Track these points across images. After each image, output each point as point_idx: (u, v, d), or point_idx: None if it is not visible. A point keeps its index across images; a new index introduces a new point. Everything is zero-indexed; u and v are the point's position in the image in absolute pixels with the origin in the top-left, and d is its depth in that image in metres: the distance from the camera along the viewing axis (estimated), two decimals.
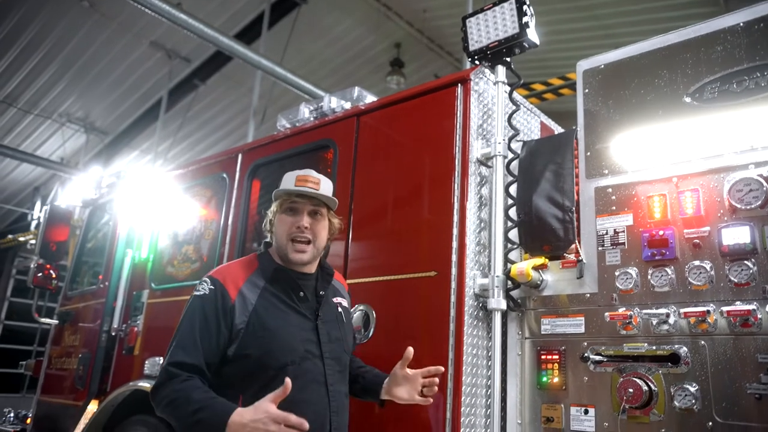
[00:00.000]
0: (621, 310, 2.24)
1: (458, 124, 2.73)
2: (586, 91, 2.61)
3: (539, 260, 2.51)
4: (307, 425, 1.69)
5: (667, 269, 2.20)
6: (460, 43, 2.92)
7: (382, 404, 2.24)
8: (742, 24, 2.24)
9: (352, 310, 2.32)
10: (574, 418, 2.30)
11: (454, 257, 2.56)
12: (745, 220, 2.07)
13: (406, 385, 2.10)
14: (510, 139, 2.74)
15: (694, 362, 2.08)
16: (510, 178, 2.70)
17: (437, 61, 10.21)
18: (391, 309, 2.68)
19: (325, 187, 2.12)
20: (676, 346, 2.12)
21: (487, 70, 2.88)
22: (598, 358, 2.27)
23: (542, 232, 2.54)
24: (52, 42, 9.31)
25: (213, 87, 10.47)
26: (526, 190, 2.64)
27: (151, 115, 11.00)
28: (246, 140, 8.36)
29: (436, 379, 2.12)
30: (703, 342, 2.08)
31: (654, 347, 2.17)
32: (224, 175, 3.79)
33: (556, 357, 2.40)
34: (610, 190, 2.43)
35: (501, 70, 2.81)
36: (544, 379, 2.41)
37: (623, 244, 2.34)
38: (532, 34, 2.73)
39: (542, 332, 2.47)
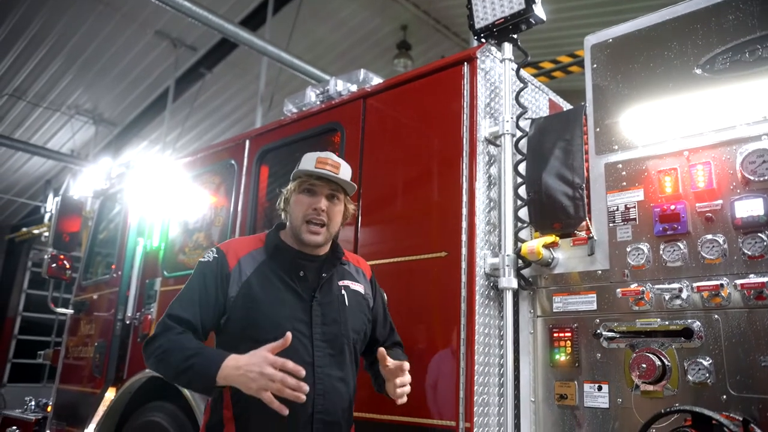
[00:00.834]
0: (633, 286, 2.23)
1: (465, 103, 2.71)
2: (595, 66, 2.58)
3: (550, 238, 2.50)
4: (303, 372, 1.72)
5: (679, 244, 2.18)
6: (466, 23, 2.89)
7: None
8: None
9: (367, 294, 2.22)
10: (588, 395, 2.30)
11: (464, 237, 2.55)
12: (758, 192, 2.04)
13: (389, 380, 2.04)
14: (518, 117, 2.71)
15: (708, 336, 2.07)
16: (519, 157, 2.68)
17: (444, 43, 10.11)
18: (402, 290, 2.68)
19: (345, 171, 2.11)
20: (689, 320, 2.11)
21: (493, 48, 2.85)
22: (610, 334, 2.26)
23: (552, 210, 2.53)
24: (57, 34, 9.32)
25: (219, 75, 10.45)
26: (535, 168, 2.62)
27: (158, 105, 11.01)
28: (254, 127, 8.37)
29: (406, 386, 2.04)
30: (716, 316, 2.06)
31: (667, 322, 2.15)
32: (232, 162, 3.79)
33: (569, 334, 2.40)
34: (620, 165, 2.40)
35: (508, 47, 2.78)
36: (557, 356, 2.41)
37: (634, 219, 2.31)
38: (539, 10, 2.69)
39: (554, 310, 2.46)
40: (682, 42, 2.33)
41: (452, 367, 2.46)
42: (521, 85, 2.79)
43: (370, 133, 3.07)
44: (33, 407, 5.07)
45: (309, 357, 1.94)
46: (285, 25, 9.00)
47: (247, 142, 3.75)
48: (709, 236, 2.11)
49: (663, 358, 2.11)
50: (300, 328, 1.95)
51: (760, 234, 2.01)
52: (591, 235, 2.41)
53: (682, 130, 2.27)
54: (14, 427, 4.91)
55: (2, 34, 9.16)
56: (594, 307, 2.35)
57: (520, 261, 2.52)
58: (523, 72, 2.83)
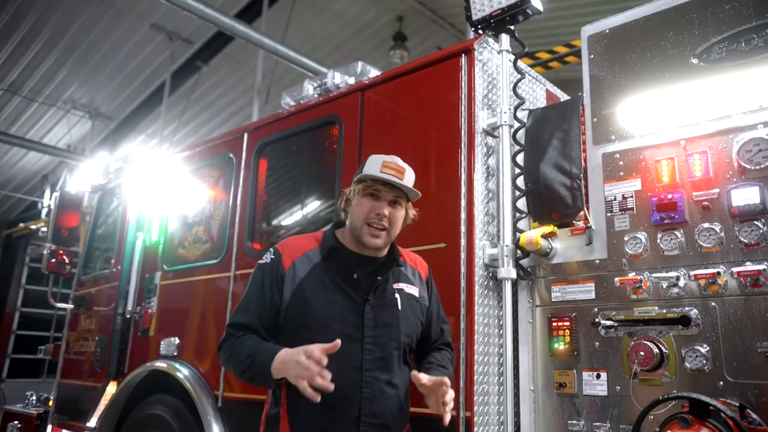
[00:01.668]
0: (631, 275, 2.25)
1: (463, 94, 2.72)
2: (592, 56, 2.59)
3: (548, 228, 2.51)
4: (325, 360, 1.77)
5: (676, 232, 2.20)
6: (462, 14, 2.89)
7: None
8: None
9: (422, 297, 2.19)
10: (587, 383, 2.33)
11: (462, 228, 2.57)
12: (754, 181, 2.06)
13: (430, 396, 1.98)
14: (516, 108, 2.72)
15: (705, 324, 2.09)
16: (517, 148, 2.69)
17: (440, 34, 10.08)
18: None
19: (409, 177, 2.08)
20: (687, 308, 2.13)
21: (491, 40, 2.85)
22: (608, 323, 2.28)
23: (550, 200, 2.54)
24: (52, 29, 9.27)
25: (216, 68, 10.40)
26: (533, 158, 2.63)
27: (155, 99, 10.96)
28: (251, 121, 8.35)
29: (450, 394, 1.98)
30: (713, 303, 2.09)
31: (664, 310, 2.18)
32: (231, 155, 3.80)
33: (567, 323, 2.42)
34: (617, 155, 2.42)
35: (505, 38, 2.79)
36: (556, 345, 2.43)
37: (632, 209, 2.33)
38: (536, 1, 2.70)
39: (553, 300, 2.49)
40: (678, 32, 2.34)
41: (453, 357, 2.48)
42: (518, 76, 2.80)
43: (368, 126, 3.07)
44: (34, 402, 5.09)
45: (357, 360, 1.95)
46: (280, 17, 8.96)
47: (246, 136, 3.75)
48: (706, 225, 2.13)
49: (661, 346, 2.14)
50: (350, 331, 1.96)
51: (756, 222, 2.03)
52: (589, 224, 2.43)
53: (679, 120, 2.29)
54: (16, 422, 4.92)
55: None
56: (592, 296, 2.38)
57: (518, 251, 2.54)
58: (520, 63, 2.84)
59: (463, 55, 2.76)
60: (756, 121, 2.10)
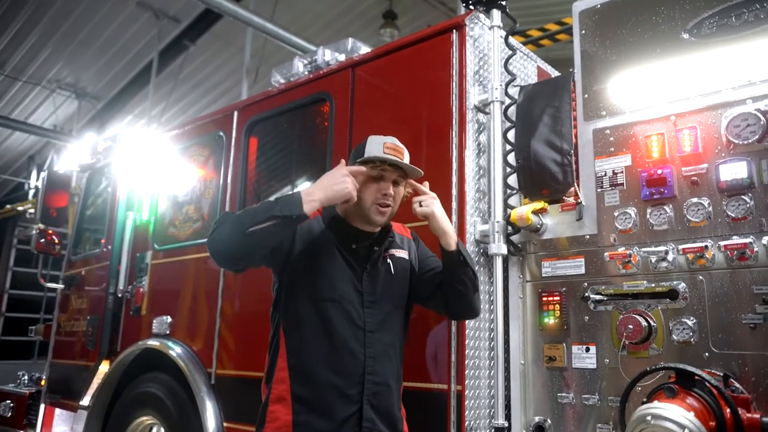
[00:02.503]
0: (620, 250, 2.27)
1: (454, 71, 2.71)
2: (583, 32, 2.58)
3: (539, 204, 2.53)
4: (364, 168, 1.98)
5: (665, 207, 2.22)
6: None
7: (451, 252, 2.14)
8: None
9: (411, 258, 2.27)
10: (576, 356, 2.37)
11: (454, 205, 2.58)
12: (742, 155, 2.08)
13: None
14: (507, 85, 2.71)
15: (692, 297, 2.12)
16: (508, 124, 2.69)
17: (431, 12, 10.00)
18: None
19: (407, 157, 2.15)
20: (675, 282, 2.16)
21: (482, 15, 2.84)
22: (598, 297, 2.31)
23: (541, 177, 2.55)
24: (34, 5, 9.09)
25: (204, 47, 10.27)
26: (524, 135, 2.64)
27: (142, 78, 10.82)
28: (240, 100, 8.28)
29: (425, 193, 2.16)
30: (701, 277, 2.12)
31: (653, 284, 2.21)
32: (221, 134, 3.77)
33: (557, 298, 2.45)
34: (608, 131, 2.43)
35: (496, 14, 2.77)
36: (546, 320, 2.46)
37: (622, 184, 2.35)
38: None
39: (543, 275, 2.51)
40: (669, 7, 2.34)
41: (444, 332, 2.51)
42: (510, 52, 2.79)
43: (359, 103, 3.06)
44: (26, 381, 5.10)
45: (361, 321, 2.04)
46: None
47: (236, 114, 3.73)
48: (695, 199, 2.15)
49: (649, 319, 2.17)
50: (352, 296, 2.06)
51: (743, 196, 2.06)
52: (579, 200, 2.45)
53: (670, 95, 2.30)
54: (8, 401, 4.93)
55: None
56: (582, 271, 2.40)
57: (509, 227, 2.56)
58: (511, 39, 2.83)
59: (454, 30, 2.75)
60: (745, 96, 2.11)
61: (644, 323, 2.15)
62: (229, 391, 3.30)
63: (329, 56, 3.43)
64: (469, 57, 2.74)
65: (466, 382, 2.43)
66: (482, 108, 2.75)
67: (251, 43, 9.11)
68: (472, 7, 2.81)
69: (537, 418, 2.43)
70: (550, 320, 2.45)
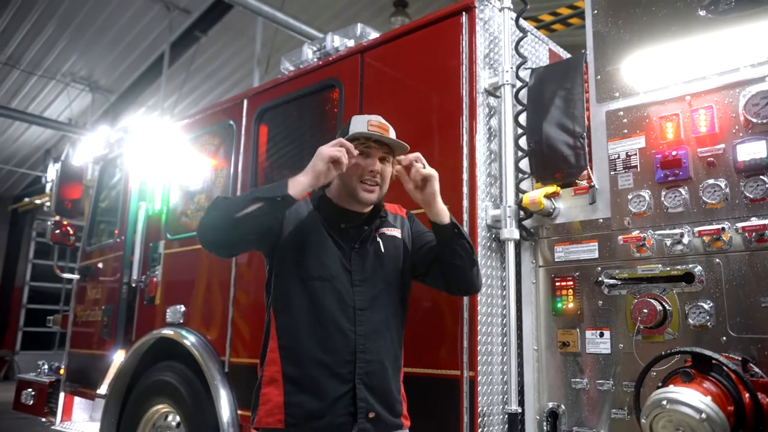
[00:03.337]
0: (634, 233, 2.23)
1: (464, 54, 2.67)
2: (595, 12, 2.53)
3: (551, 188, 2.49)
4: (354, 151, 1.95)
5: (680, 189, 2.17)
6: None
7: (446, 225, 2.07)
8: None
9: (404, 237, 2.22)
10: (590, 341, 2.34)
11: (465, 189, 2.55)
12: (761, 135, 2.03)
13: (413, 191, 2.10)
14: (518, 68, 2.67)
15: (709, 280, 2.08)
16: (519, 107, 2.65)
17: None
18: None
19: (392, 133, 2.12)
20: (691, 265, 2.12)
21: None
22: (612, 281, 2.28)
23: (553, 160, 2.51)
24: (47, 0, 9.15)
25: (215, 38, 10.27)
26: (535, 118, 2.60)
27: (154, 70, 10.86)
28: None
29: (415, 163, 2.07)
30: (717, 260, 2.08)
31: (668, 268, 2.17)
32: (231, 122, 3.77)
33: (571, 283, 2.42)
34: (621, 113, 2.38)
35: None
36: (559, 305, 2.43)
37: (635, 167, 2.30)
38: None
39: (556, 260, 2.48)
40: None
41: (456, 318, 2.49)
42: (521, 34, 2.74)
43: (368, 88, 3.03)
44: (46, 371, 5.17)
45: (351, 300, 2.01)
46: None
47: (245, 102, 3.72)
48: (711, 181, 2.10)
49: (664, 303, 2.14)
50: (341, 275, 2.03)
51: (762, 177, 2.00)
52: (592, 184, 2.41)
53: (685, 75, 2.24)
54: (30, 390, 5.01)
55: None
56: (595, 255, 2.37)
57: (521, 212, 2.53)
58: (522, 21, 2.78)
59: (464, 13, 2.71)
60: (764, 74, 2.05)
61: (659, 307, 2.11)
62: (242, 379, 3.31)
63: (338, 42, 3.41)
64: (479, 40, 2.69)
65: (479, 368, 2.41)
66: (493, 91, 2.71)
67: (262, 33, 9.08)
68: None
69: (551, 404, 2.41)
70: (564, 305, 2.42)
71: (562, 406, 2.38)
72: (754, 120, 2.03)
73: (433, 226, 2.10)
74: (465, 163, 2.58)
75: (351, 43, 3.37)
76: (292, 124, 3.56)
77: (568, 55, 3.25)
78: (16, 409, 5.21)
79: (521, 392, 2.48)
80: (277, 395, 1.95)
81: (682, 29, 2.27)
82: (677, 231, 2.14)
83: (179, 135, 4.19)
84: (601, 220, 2.37)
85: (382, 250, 2.13)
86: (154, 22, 9.85)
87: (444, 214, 2.07)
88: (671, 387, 1.85)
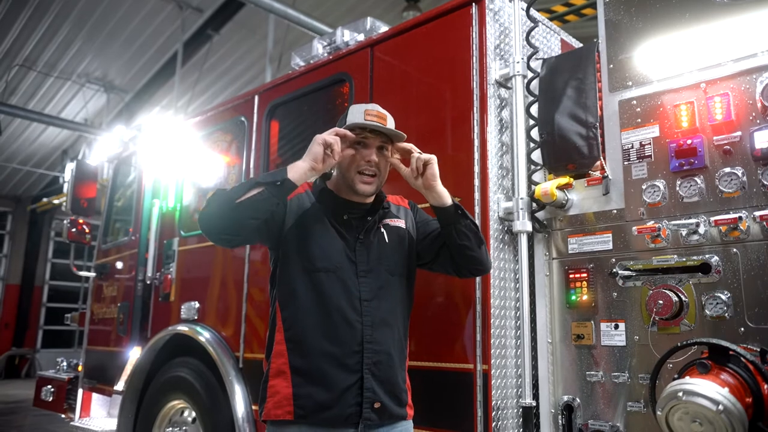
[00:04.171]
0: (649, 224, 2.20)
1: (475, 45, 2.65)
2: (607, 0, 2.49)
3: (564, 180, 2.46)
4: (351, 135, 1.98)
5: (696, 179, 2.13)
6: None
7: (448, 207, 2.08)
8: None
9: (408, 227, 2.21)
10: (605, 334, 2.31)
11: (476, 182, 2.53)
12: None
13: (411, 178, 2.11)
14: (529, 58, 2.64)
15: (726, 270, 2.04)
16: (530, 98, 2.62)
17: None
18: None
19: (390, 122, 2.11)
20: (707, 255, 2.08)
21: None
22: (626, 273, 2.25)
23: (566, 151, 2.48)
24: (62, 1, 9.24)
25: (227, 36, 10.32)
26: (547, 109, 2.57)
27: (168, 69, 10.94)
28: None
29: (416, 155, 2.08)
30: (735, 250, 2.04)
31: (684, 258, 2.13)
32: (242, 119, 3.78)
33: (585, 275, 2.39)
34: (634, 102, 2.34)
35: None
36: (573, 297, 2.41)
37: (650, 156, 2.27)
38: None
39: (569, 252, 2.45)
40: None
41: (469, 311, 2.47)
42: (531, 24, 2.71)
43: (379, 82, 3.02)
44: (65, 368, 5.23)
45: (356, 291, 2.01)
46: None
47: (256, 98, 3.72)
48: (727, 169, 2.06)
49: (680, 294, 2.10)
50: (346, 266, 2.02)
51: None
52: (605, 174, 2.37)
53: (700, 62, 2.20)
54: (50, 386, 5.08)
55: (8, 3, 9.11)
56: (610, 246, 2.33)
57: (534, 204, 2.50)
58: (533, 11, 2.75)
59: (473, 4, 2.68)
60: None
61: (675, 298, 2.08)
62: (256, 375, 3.31)
63: (348, 36, 3.40)
64: (489, 31, 2.67)
65: (493, 361, 2.39)
66: (504, 83, 2.68)
67: (274, 30, 9.10)
68: None
69: (566, 397, 2.39)
70: (578, 297, 2.39)
71: (577, 399, 2.36)
72: None
73: (436, 210, 2.09)
74: (476, 156, 2.55)
75: (361, 37, 3.36)
76: (303, 119, 3.56)
77: (580, 46, 3.21)
78: (36, 405, 5.30)
79: (535, 385, 2.46)
80: (285, 387, 1.94)
81: (697, 15, 2.23)
82: (693, 221, 2.10)
83: (192, 132, 4.22)
84: (615, 211, 2.34)
85: (387, 241, 2.12)
86: (167, 22, 9.92)
87: (445, 196, 2.07)
88: (687, 378, 1.82)
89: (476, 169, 2.54)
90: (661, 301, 2.09)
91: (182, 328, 3.77)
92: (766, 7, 2.07)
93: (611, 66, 2.43)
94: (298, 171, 1.91)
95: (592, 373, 2.32)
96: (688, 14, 2.25)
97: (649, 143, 2.28)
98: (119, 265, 4.64)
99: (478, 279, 2.45)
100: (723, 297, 2.02)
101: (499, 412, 2.39)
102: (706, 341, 1.91)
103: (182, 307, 3.87)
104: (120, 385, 4.12)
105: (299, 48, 3.66)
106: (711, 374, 1.80)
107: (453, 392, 2.46)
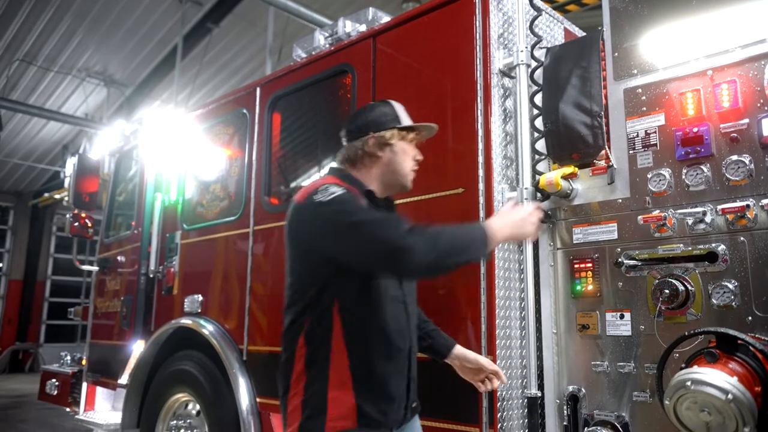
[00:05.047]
0: (655, 213, 2.18)
1: (478, 34, 2.62)
2: None
3: (568, 169, 2.45)
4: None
5: (702, 167, 2.12)
6: None
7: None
8: None
9: None
10: (610, 324, 2.30)
11: (480, 172, 2.52)
12: None
13: (470, 372, 2.23)
14: (533, 47, 2.62)
15: (733, 259, 2.03)
16: (534, 88, 2.60)
17: None
18: None
19: None
20: (714, 244, 2.07)
21: None
22: (632, 262, 2.23)
23: (570, 140, 2.46)
24: None
25: (227, 29, 10.27)
26: (551, 98, 2.55)
27: (168, 63, 10.89)
28: None
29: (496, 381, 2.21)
30: (742, 238, 2.02)
31: (690, 247, 2.12)
32: (244, 111, 3.76)
33: (590, 265, 2.38)
34: (639, 90, 2.32)
35: None
36: (578, 287, 2.39)
37: (655, 145, 2.25)
38: None
39: (574, 242, 2.44)
40: None
41: (473, 302, 2.46)
42: (535, 13, 2.69)
43: (381, 72, 3.00)
44: (69, 362, 5.25)
45: (401, 295, 1.98)
46: None
47: (258, 90, 3.70)
48: (735, 157, 2.05)
49: (686, 284, 2.09)
50: None
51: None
52: (610, 163, 2.36)
53: (706, 49, 2.18)
54: (54, 380, 5.10)
55: None
56: (615, 236, 2.32)
57: (538, 194, 2.49)
58: (536, 0, 2.73)
59: None
60: None
61: (681, 288, 2.07)
62: (260, 367, 3.32)
63: (350, 27, 3.37)
64: (492, 20, 2.65)
65: (498, 352, 2.39)
66: (507, 72, 2.66)
67: (274, 22, 9.05)
68: None
69: (571, 388, 2.38)
70: (583, 287, 2.38)
71: (583, 390, 2.35)
72: None
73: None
74: (480, 146, 2.54)
75: (363, 27, 3.34)
76: (305, 111, 3.55)
77: (584, 34, 3.18)
78: (41, 399, 5.31)
79: (540, 376, 2.46)
80: (348, 398, 1.81)
81: (703, 1, 2.20)
82: (699, 209, 2.09)
83: (193, 125, 4.20)
84: (621, 201, 2.32)
85: None
86: (167, 15, 9.87)
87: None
88: (695, 368, 1.81)
89: (480, 159, 2.53)
90: (667, 291, 2.08)
91: (186, 321, 3.77)
92: None
93: (616, 54, 2.41)
94: (496, 243, 1.95)
95: (598, 363, 2.31)
96: (694, 1, 2.22)
97: (655, 132, 2.26)
98: (122, 258, 4.63)
99: (482, 269, 2.44)
100: (730, 286, 2.01)
101: (505, 402, 2.38)
102: (714, 330, 1.91)
103: (185, 300, 3.86)
104: (124, 379, 4.12)
105: (301, 39, 3.63)
106: (719, 363, 1.79)
107: (458, 383, 2.45)
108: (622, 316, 2.27)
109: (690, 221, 2.12)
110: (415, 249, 1.71)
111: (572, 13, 7.06)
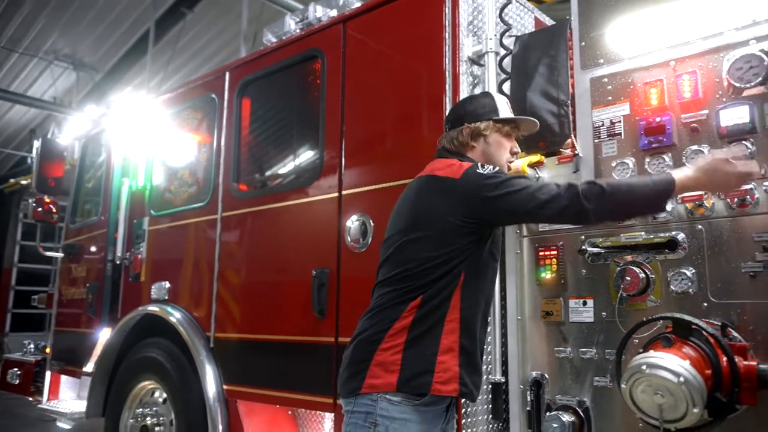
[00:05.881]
0: None
1: (447, 21, 2.63)
2: None
3: (535, 157, 2.47)
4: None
5: (664, 156, 2.15)
6: None
7: None
8: None
9: None
10: (573, 310, 2.33)
11: None
12: (744, 100, 2.00)
13: None
14: (502, 35, 2.63)
15: (691, 247, 2.07)
16: (503, 76, 2.62)
17: None
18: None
19: None
20: (674, 232, 2.11)
21: None
22: (595, 250, 2.26)
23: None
24: None
25: (201, 14, 10.07)
26: (520, 86, 2.56)
27: (139, 48, 10.65)
28: None
29: None
30: (700, 226, 2.07)
31: (651, 236, 2.16)
32: (213, 96, 3.71)
33: (554, 253, 2.40)
34: (605, 80, 2.35)
35: None
36: (543, 275, 2.42)
37: (620, 134, 2.28)
38: None
39: (540, 229, 2.46)
40: None
41: None
42: (505, 1, 2.70)
43: (351, 59, 2.98)
44: (32, 350, 5.15)
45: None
46: None
47: (227, 75, 3.65)
48: (694, 147, 2.09)
49: (647, 271, 2.13)
50: None
51: (744, 142, 1.99)
52: (576, 152, 2.38)
53: (669, 40, 2.21)
54: (16, 369, 4.99)
55: None
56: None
57: None
58: None
59: None
60: (748, 37, 2.02)
61: (642, 275, 2.11)
62: (228, 354, 3.30)
63: (320, 12, 3.35)
64: (462, 6, 2.65)
65: None
66: (476, 60, 2.67)
67: (249, 8, 8.93)
68: None
69: (534, 373, 2.41)
70: (547, 275, 2.41)
71: (546, 375, 2.38)
72: (738, 84, 2.00)
73: None
74: None
75: (334, 12, 3.31)
76: (275, 96, 3.51)
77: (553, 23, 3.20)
78: (2, 389, 5.20)
79: (505, 362, 2.48)
80: (454, 365, 1.87)
81: None
82: None
83: (162, 110, 4.13)
84: None
85: None
86: None
87: None
88: (651, 352, 1.85)
89: None
90: (628, 278, 2.12)
91: (153, 308, 3.72)
92: None
93: (583, 43, 2.43)
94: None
95: (561, 349, 2.34)
96: None
97: (620, 121, 2.29)
98: (88, 245, 4.55)
99: None
100: (688, 273, 2.05)
101: None
102: (670, 316, 1.95)
103: (152, 287, 3.81)
104: (89, 367, 4.06)
105: (271, 24, 3.59)
106: (674, 348, 1.83)
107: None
108: (585, 303, 2.30)
109: None
110: (591, 210, 1.82)
111: (547, 5, 7.09)
